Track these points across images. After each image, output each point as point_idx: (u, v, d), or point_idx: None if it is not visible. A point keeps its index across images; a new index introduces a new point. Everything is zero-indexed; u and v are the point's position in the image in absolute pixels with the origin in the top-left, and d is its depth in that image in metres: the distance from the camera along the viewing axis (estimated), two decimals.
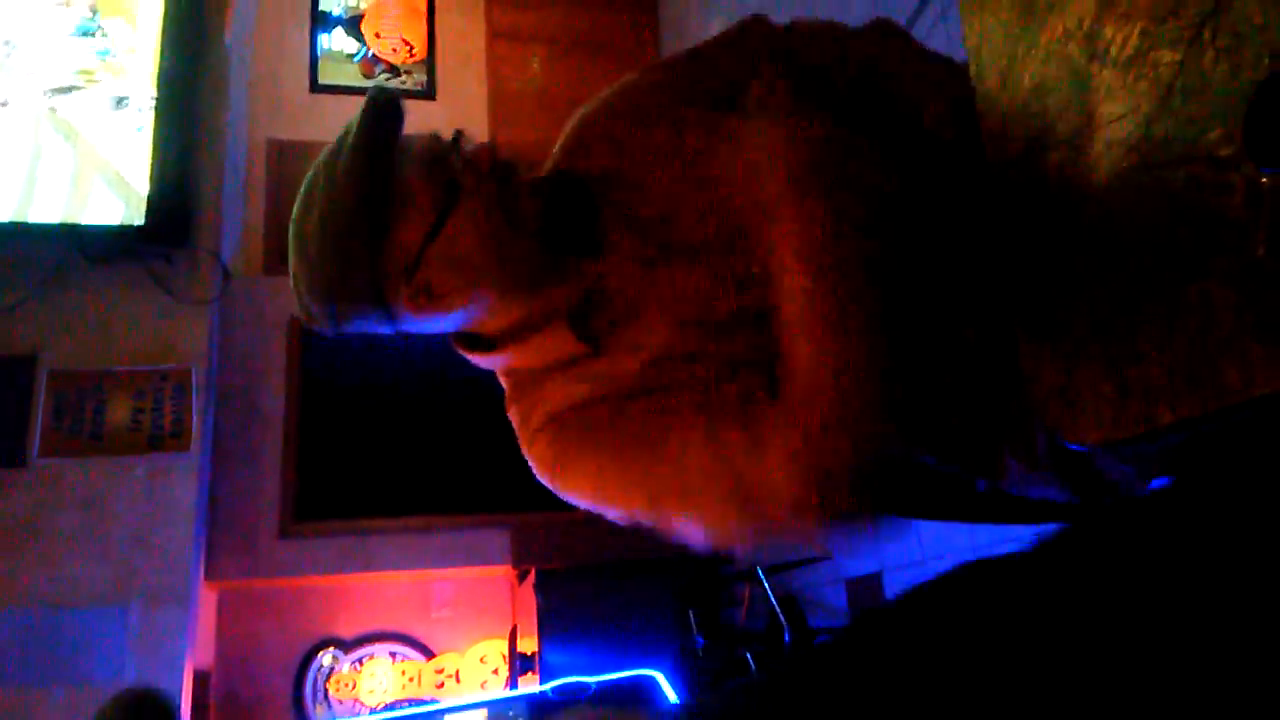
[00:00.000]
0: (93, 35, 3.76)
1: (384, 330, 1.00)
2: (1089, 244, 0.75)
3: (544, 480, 1.04)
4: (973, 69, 0.90)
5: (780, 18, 1.14)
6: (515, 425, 1.06)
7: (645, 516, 0.98)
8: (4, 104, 3.58)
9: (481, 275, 0.96)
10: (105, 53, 3.76)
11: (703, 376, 0.93)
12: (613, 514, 1.01)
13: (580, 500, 1.03)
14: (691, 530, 0.96)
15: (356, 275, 0.92)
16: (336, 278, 0.92)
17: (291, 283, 0.96)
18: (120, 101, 3.70)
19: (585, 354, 0.98)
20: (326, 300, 0.94)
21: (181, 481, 3.46)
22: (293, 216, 0.96)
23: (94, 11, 3.77)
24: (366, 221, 0.90)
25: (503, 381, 1.09)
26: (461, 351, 1.07)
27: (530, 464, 1.04)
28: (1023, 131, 0.83)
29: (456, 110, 5.73)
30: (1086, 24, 0.74)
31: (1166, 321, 0.67)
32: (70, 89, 3.67)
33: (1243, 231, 0.60)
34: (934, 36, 2.81)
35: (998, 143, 0.86)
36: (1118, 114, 0.71)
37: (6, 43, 3.65)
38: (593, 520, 1.07)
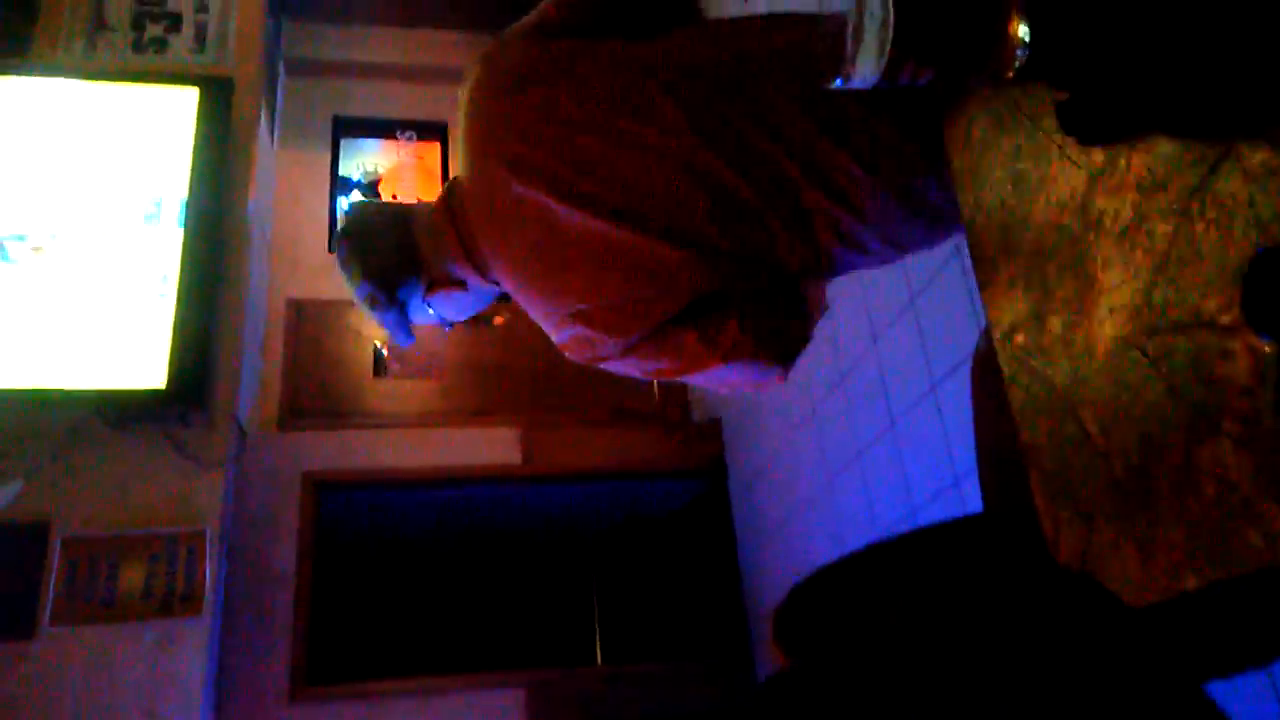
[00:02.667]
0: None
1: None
2: (1097, 405, 0.76)
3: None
4: (970, 237, 0.94)
5: None
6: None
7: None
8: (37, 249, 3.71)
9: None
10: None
11: None
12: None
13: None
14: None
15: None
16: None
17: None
18: (145, 267, 3.82)
19: None
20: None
21: (191, 647, 3.39)
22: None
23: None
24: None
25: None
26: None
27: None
28: (1024, 295, 0.85)
29: None
30: (1079, 196, 0.78)
31: (1182, 484, 0.67)
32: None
33: (1250, 397, 0.61)
34: None
35: (1000, 305, 0.88)
36: (1117, 281, 0.73)
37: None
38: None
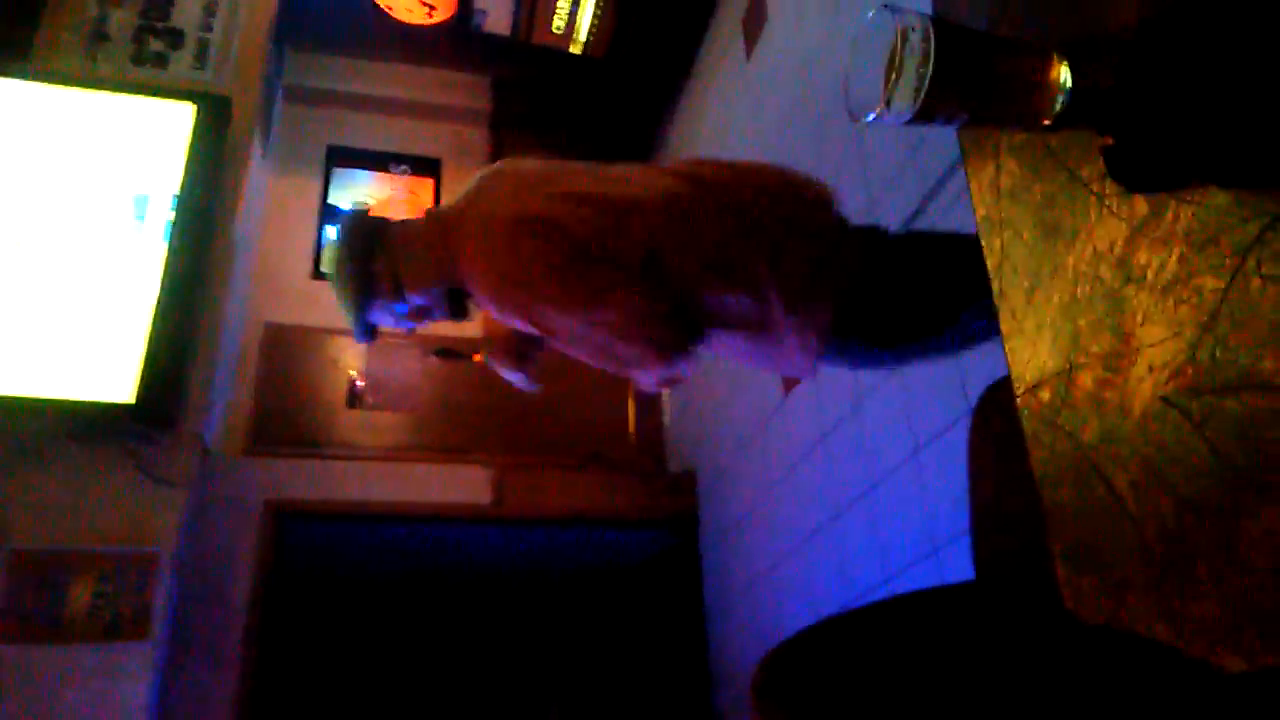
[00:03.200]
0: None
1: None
2: (1131, 467, 0.72)
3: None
4: (995, 285, 0.90)
5: None
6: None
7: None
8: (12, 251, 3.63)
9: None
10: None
11: None
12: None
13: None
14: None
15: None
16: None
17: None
18: (124, 280, 3.75)
19: None
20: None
21: (135, 673, 3.26)
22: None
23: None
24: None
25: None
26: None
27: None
28: (1053, 349, 0.81)
29: None
30: (1118, 248, 0.74)
31: (1226, 555, 0.63)
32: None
33: None
34: (947, 222, 2.86)
35: (1024, 359, 0.85)
36: (1159, 338, 0.69)
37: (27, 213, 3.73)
38: None
